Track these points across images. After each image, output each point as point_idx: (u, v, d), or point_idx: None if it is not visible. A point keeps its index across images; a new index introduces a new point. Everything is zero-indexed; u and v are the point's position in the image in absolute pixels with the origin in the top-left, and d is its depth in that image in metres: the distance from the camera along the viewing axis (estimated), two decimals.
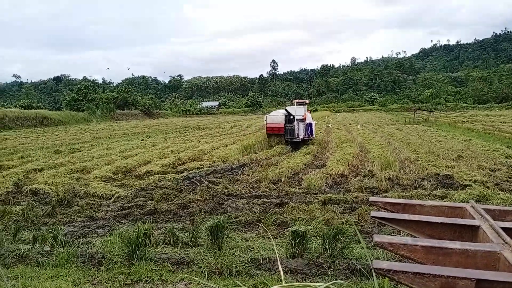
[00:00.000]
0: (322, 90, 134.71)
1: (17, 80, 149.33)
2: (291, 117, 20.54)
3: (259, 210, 8.41)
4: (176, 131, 34.04)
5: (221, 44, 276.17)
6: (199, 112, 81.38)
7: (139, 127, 40.25)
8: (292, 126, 20.30)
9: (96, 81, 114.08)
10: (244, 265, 5.68)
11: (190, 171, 13.72)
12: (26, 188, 11.30)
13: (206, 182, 11.59)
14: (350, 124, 38.04)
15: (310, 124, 22.04)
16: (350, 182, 11.35)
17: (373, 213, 2.16)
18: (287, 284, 1.78)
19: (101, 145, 22.69)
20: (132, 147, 21.22)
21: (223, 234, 6.36)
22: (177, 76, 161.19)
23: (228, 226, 6.88)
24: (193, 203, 9.35)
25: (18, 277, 5.29)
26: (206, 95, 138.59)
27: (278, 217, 7.81)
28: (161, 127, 39.12)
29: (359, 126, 33.70)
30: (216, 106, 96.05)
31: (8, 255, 6.09)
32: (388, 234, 6.84)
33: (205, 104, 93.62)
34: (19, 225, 7.37)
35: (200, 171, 13.63)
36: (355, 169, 13.44)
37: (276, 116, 21.00)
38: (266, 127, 21.33)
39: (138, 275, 5.22)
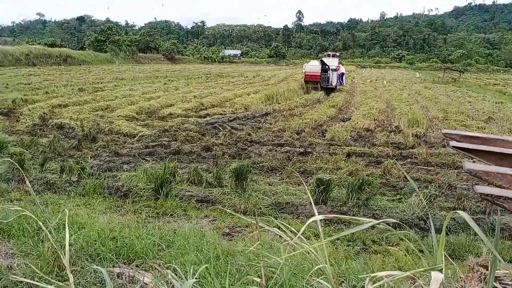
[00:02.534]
0: (348, 44, 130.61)
1: (40, 18, 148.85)
2: (326, 66, 24.05)
3: (282, 158, 8.36)
4: (198, 77, 33.73)
5: None
6: (221, 60, 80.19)
7: (161, 71, 40.01)
8: (327, 75, 24.06)
9: (119, 24, 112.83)
10: (268, 207, 5.69)
11: (213, 116, 13.66)
12: (52, 122, 11.48)
13: (229, 128, 11.54)
14: (376, 80, 37.00)
15: (342, 74, 25.29)
16: (376, 137, 11.14)
17: (453, 143, 2.01)
18: (333, 215, 1.68)
19: (124, 86, 22.70)
20: (155, 89, 21.17)
21: (246, 177, 6.36)
22: (200, 23, 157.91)
23: (252, 170, 6.84)
24: (216, 147, 9.35)
25: (47, 203, 5.42)
26: (228, 43, 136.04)
27: (302, 165, 7.74)
28: (183, 73, 38.82)
29: (385, 82, 32.76)
30: (239, 55, 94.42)
31: (36, 182, 6.22)
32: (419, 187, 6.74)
33: (227, 52, 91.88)
34: (46, 155, 7.50)
35: (222, 117, 13.56)
36: (380, 124, 13.15)
37: (314, 66, 24.82)
38: (305, 74, 25.03)
39: (164, 209, 5.29)
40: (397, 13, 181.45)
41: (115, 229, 3.36)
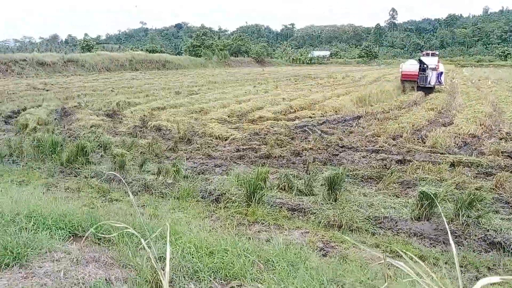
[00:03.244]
0: (446, 42, 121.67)
1: (143, 26, 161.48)
2: (425, 65, 23.64)
3: (377, 165, 7.81)
4: (287, 79, 33.75)
5: None
6: (309, 62, 79.72)
7: (251, 74, 40.84)
8: (426, 74, 23.67)
9: (213, 29, 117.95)
10: (364, 221, 5.27)
11: (302, 120, 13.41)
12: (151, 124, 12.13)
13: (319, 132, 11.19)
14: (479, 81, 33.71)
15: (441, 73, 24.21)
16: (483, 144, 9.99)
17: None
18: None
19: (217, 89, 23.46)
20: (245, 92, 21.54)
21: (340, 186, 5.99)
22: (289, 25, 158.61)
23: (345, 179, 6.45)
24: (306, 151, 9.09)
25: (144, 205, 5.61)
26: (317, 44, 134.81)
27: (401, 175, 7.14)
28: (271, 75, 39.19)
29: (489, 83, 29.67)
30: (327, 56, 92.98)
31: (135, 183, 6.51)
32: None
33: (316, 53, 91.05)
34: (145, 157, 7.86)
35: (312, 120, 13.24)
36: (488, 130, 11.81)
37: (411, 65, 24.75)
38: (402, 73, 24.77)
39: (255, 217, 5.16)
40: (503, 7, 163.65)
41: (212, 242, 3.25)
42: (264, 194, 5.63)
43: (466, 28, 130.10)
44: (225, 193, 5.98)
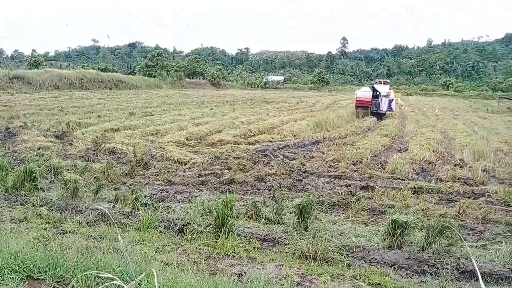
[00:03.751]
0: (392, 71, 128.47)
1: (95, 44, 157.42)
2: (377, 93, 25.15)
3: (343, 192, 7.76)
4: (243, 102, 33.83)
5: (286, 17, 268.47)
6: (264, 86, 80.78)
7: (207, 96, 40.59)
8: (378, 100, 25.08)
9: (167, 50, 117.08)
10: (338, 251, 5.10)
11: (262, 144, 13.29)
12: (104, 146, 11.49)
13: (281, 156, 11.09)
14: (425, 109, 35.61)
15: (392, 100, 25.90)
16: (439, 170, 10.31)
17: None
18: None
19: (172, 110, 22.97)
20: (202, 115, 21.23)
21: (310, 214, 5.83)
22: (244, 49, 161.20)
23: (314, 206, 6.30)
24: (269, 177, 8.89)
25: (102, 237, 5.12)
26: (271, 69, 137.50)
27: (367, 201, 7.11)
28: (228, 98, 39.16)
29: (437, 111, 31.36)
30: (281, 81, 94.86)
31: (91, 212, 5.99)
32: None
33: (270, 78, 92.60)
34: (100, 183, 7.32)
35: (272, 145, 13.15)
36: (441, 156, 12.27)
37: (365, 92, 26.08)
38: (356, 100, 25.90)
39: (225, 249, 4.84)
40: (445, 40, 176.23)
41: (187, 282, 2.91)
42: (234, 224, 5.33)
43: (411, 59, 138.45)
44: (190, 223, 5.61)
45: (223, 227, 5.21)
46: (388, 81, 29.97)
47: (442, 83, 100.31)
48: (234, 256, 4.75)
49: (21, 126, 14.33)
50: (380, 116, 24.89)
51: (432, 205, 7.11)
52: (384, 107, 25.30)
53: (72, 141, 12.31)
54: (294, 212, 5.87)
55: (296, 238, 5.41)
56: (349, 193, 7.68)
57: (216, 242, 5.04)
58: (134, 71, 66.85)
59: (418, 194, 7.85)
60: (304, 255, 4.81)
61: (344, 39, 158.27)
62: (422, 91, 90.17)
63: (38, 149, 10.76)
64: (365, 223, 6.31)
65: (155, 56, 63.45)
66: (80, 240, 4.93)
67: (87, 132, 13.56)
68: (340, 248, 5.16)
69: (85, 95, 31.85)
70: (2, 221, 5.55)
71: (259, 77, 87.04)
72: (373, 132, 17.76)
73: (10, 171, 7.43)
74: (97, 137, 12.82)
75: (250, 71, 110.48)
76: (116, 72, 55.77)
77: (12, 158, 9.44)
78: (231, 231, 5.28)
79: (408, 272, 4.74)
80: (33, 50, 66.75)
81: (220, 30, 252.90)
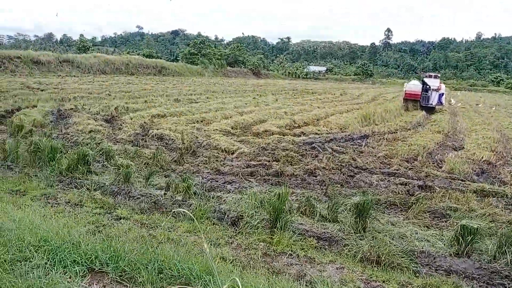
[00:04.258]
0: (439, 65, 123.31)
1: (139, 30, 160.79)
2: (427, 86, 25.14)
3: (399, 191, 7.34)
4: (285, 92, 33.42)
5: (330, 8, 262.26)
6: (305, 76, 79.78)
7: (248, 85, 40.46)
8: (428, 94, 24.99)
9: (209, 38, 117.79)
10: (398, 255, 4.75)
11: (309, 136, 12.95)
12: (152, 132, 11.55)
13: (330, 150, 10.73)
14: (477, 105, 33.84)
15: (442, 94, 25.38)
16: (501, 172, 9.62)
17: None
18: None
19: (216, 98, 22.97)
20: (246, 104, 21.08)
21: (369, 214, 5.50)
22: (285, 38, 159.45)
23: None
24: (319, 171, 8.59)
25: (156, 225, 5.04)
26: (312, 60, 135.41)
27: (427, 202, 6.67)
28: (269, 87, 38.86)
29: (493, 109, 29.71)
30: (323, 71, 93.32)
31: (143, 199, 5.93)
32: None
33: (312, 68, 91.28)
34: (152, 169, 7.29)
35: (319, 137, 12.79)
36: (501, 157, 11.46)
37: (415, 85, 25.72)
38: (405, 93, 25.48)
39: (281, 246, 4.63)
40: (496, 34, 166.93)
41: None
42: (289, 220, 5.10)
43: (459, 52, 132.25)
44: (243, 216, 5.43)
45: (278, 222, 5.00)
46: (439, 75, 29.68)
47: (493, 79, 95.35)
48: (291, 255, 4.52)
49: (72, 108, 14.71)
50: (430, 110, 24.31)
51: (499, 210, 6.58)
52: (434, 101, 24.85)
53: (121, 125, 12.49)
54: (352, 211, 5.55)
55: (355, 239, 5.12)
56: (407, 192, 7.25)
57: (271, 238, 4.83)
58: (177, 58, 67.69)
59: (481, 197, 7.31)
60: (366, 258, 4.51)
61: (388, 30, 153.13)
62: (470, 86, 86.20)
63: (89, 132, 10.95)
64: (427, 226, 5.90)
65: (198, 43, 63.95)
66: (135, 228, 4.86)
67: (135, 117, 13.72)
68: (402, 253, 4.82)
69: (130, 80, 32.53)
70: (58, 203, 5.60)
71: (300, 67, 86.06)
72: (424, 127, 16.96)
73: (65, 154, 7.54)
74: (145, 122, 12.93)
75: (290, 61, 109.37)
76: (160, 58, 56.65)
77: (65, 140, 9.64)
78: (286, 227, 5.06)
79: (481, 284, 4.35)
80: (81, 35, 68.82)
81: (261, 18, 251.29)
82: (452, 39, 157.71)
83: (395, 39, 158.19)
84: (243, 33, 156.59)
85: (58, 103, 15.82)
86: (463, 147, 12.56)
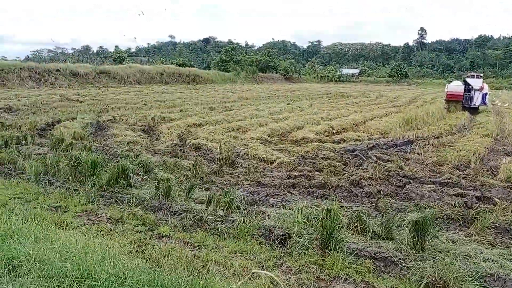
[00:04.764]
0: (477, 63, 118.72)
1: (171, 40, 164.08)
2: (470, 86, 24.64)
3: (456, 203, 6.79)
4: (319, 97, 32.90)
5: (360, 9, 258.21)
6: (338, 79, 78.69)
7: (281, 90, 40.18)
8: (470, 94, 24.54)
9: (240, 44, 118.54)
10: (464, 279, 4.28)
11: (350, 143, 12.48)
12: (190, 142, 11.44)
13: (374, 158, 10.23)
14: None
15: (486, 94, 24.77)
16: None
17: None
18: None
19: (250, 105, 22.80)
20: (280, 110, 20.78)
21: (428, 232, 5.03)
22: (316, 42, 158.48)
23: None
24: (365, 181, 8.14)
25: (200, 245, 4.79)
26: (344, 62, 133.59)
27: (488, 216, 6.11)
28: (302, 92, 38.44)
29: None
30: (356, 74, 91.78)
31: (185, 216, 5.70)
32: None
33: (344, 71, 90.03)
34: (192, 182, 7.08)
35: (360, 144, 12.29)
36: None
37: (457, 86, 25.68)
38: (447, 94, 25.41)
39: (335, 270, 4.26)
40: None
41: None
42: (343, 240, 4.73)
43: (497, 50, 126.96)
44: (290, 234, 5.10)
45: (330, 242, 4.63)
46: (481, 74, 28.96)
47: None
48: (347, 279, 4.15)
49: (110, 119, 14.88)
50: (474, 111, 24.05)
51: None
52: (477, 102, 24.52)
53: (158, 135, 12.47)
54: (409, 228, 5.11)
55: (414, 260, 4.68)
56: (465, 205, 6.70)
57: (324, 259, 4.47)
58: (209, 66, 68.40)
59: None
60: (431, 283, 4.07)
61: (422, 29, 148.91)
62: (511, 84, 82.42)
63: (128, 143, 10.96)
64: (491, 244, 5.37)
65: (229, 50, 64.40)
66: (178, 247, 4.63)
67: (171, 127, 13.69)
68: (467, 275, 4.34)
69: (165, 89, 32.96)
70: (99, 220, 5.46)
71: (332, 70, 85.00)
72: (470, 131, 16.07)
73: (105, 167, 7.47)
74: (182, 132, 12.86)
75: (322, 64, 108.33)
76: (193, 67, 57.36)
77: (104, 152, 9.64)
78: (339, 247, 4.68)
79: None
80: (116, 46, 70.91)
81: (291, 23, 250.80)
82: (490, 36, 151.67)
83: (429, 38, 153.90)
84: (273, 38, 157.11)
85: (96, 114, 16.07)
86: None
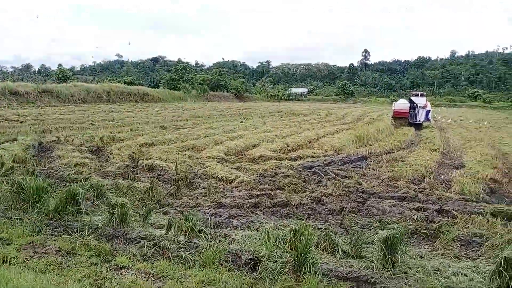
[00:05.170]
0: (416, 83, 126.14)
1: (119, 58, 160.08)
2: (414, 104, 26.56)
3: (417, 218, 6.85)
4: (271, 115, 33.15)
5: (309, 32, 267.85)
6: (287, 98, 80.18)
7: (233, 108, 40.13)
8: (415, 111, 26.39)
9: (190, 64, 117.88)
10: None
11: (306, 160, 12.48)
12: (142, 163, 10.89)
13: (333, 174, 10.25)
14: (461, 120, 34.19)
15: (429, 111, 26.81)
16: (510, 190, 9.29)
17: None
18: None
19: (203, 124, 22.42)
20: (234, 128, 20.58)
21: (398, 249, 4.97)
22: (265, 62, 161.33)
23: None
24: (326, 198, 8.07)
25: (163, 277, 4.39)
26: (292, 82, 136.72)
27: (450, 230, 6.20)
28: (254, 110, 38.60)
29: (486, 123, 30.46)
30: (305, 93, 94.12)
31: (144, 243, 5.26)
32: None
33: (294, 90, 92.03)
34: (150, 207, 6.63)
35: (317, 161, 12.32)
36: (504, 174, 11.19)
37: (403, 104, 27.75)
38: (394, 111, 27.45)
39: None
40: (469, 51, 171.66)
41: None
42: (317, 261, 4.53)
43: (435, 70, 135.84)
44: (259, 257, 4.83)
45: (304, 265, 4.41)
46: (425, 93, 31.13)
47: (470, 94, 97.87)
48: None
49: (54, 140, 13.94)
50: (418, 126, 25.75)
51: None
52: (421, 118, 26.37)
53: (108, 156, 11.79)
54: (379, 246, 5.01)
55: (387, 277, 4.58)
56: (426, 219, 6.77)
57: (298, 284, 4.24)
58: (158, 85, 67.17)
59: (503, 220, 6.88)
60: None
61: (365, 51, 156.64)
62: (449, 102, 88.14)
63: (75, 165, 10.23)
64: (457, 257, 5.41)
65: (180, 69, 63.73)
66: (139, 280, 4.21)
67: (122, 147, 13.03)
68: None
69: (113, 108, 31.79)
70: (48, 253, 4.90)
71: (282, 89, 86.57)
72: (418, 146, 16.73)
73: (51, 193, 6.83)
74: (133, 152, 12.25)
75: (271, 83, 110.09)
76: (142, 85, 56.07)
77: (50, 176, 8.89)
78: (312, 270, 4.47)
79: None
80: (60, 65, 67.94)
81: (240, 45, 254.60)
82: (427, 57, 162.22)
83: (372, 59, 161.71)
84: (223, 58, 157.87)
85: (39, 135, 15.00)
86: (464, 165, 12.27)
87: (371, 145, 16.45)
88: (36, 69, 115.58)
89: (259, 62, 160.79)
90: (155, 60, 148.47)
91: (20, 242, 5.11)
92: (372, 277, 4.64)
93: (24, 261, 4.57)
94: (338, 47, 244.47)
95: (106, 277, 4.27)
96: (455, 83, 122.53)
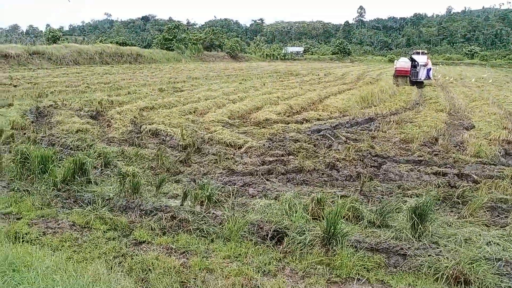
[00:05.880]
0: (412, 40, 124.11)
1: (108, 18, 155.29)
2: (416, 62, 26.54)
3: (439, 183, 6.64)
4: (269, 76, 32.43)
5: None
6: (283, 57, 78.67)
7: (229, 69, 39.24)
8: (417, 70, 26.42)
9: (181, 22, 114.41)
10: (488, 271, 3.97)
11: (314, 123, 12.16)
12: (146, 128, 10.54)
13: (343, 138, 9.98)
14: (462, 79, 33.73)
15: (430, 69, 26.73)
16: None
17: None
18: None
19: (201, 86, 21.84)
20: (234, 90, 20.06)
21: (428, 218, 4.77)
22: (259, 20, 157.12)
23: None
24: (339, 163, 7.83)
25: (188, 252, 4.17)
26: (287, 40, 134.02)
27: (474, 195, 6.00)
28: (251, 71, 37.76)
29: (490, 80, 30.92)
30: (301, 52, 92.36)
31: (162, 215, 5.01)
32: None
33: (290, 49, 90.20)
34: (163, 175, 6.35)
35: (324, 123, 12.02)
36: None
37: (405, 62, 27.45)
38: (396, 69, 27.17)
39: (346, 270, 3.83)
40: (465, 8, 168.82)
41: None
42: (348, 234, 4.31)
43: (431, 27, 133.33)
44: (286, 230, 4.61)
45: (335, 239, 4.20)
46: (426, 51, 30.59)
47: (466, 52, 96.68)
48: (360, 280, 3.75)
49: (52, 105, 13.46)
50: (419, 84, 25.91)
51: None
52: (422, 76, 26.33)
53: (109, 121, 11.40)
54: (409, 215, 4.81)
55: (418, 248, 4.39)
56: (448, 184, 6.57)
57: (329, 258, 4.04)
58: (151, 45, 65.40)
59: None
60: (450, 277, 3.77)
61: (361, 7, 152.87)
62: (446, 60, 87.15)
63: (76, 132, 9.87)
64: (486, 225, 5.23)
65: (172, 28, 61.82)
66: (161, 256, 3.98)
67: (122, 112, 12.58)
68: (476, 263, 4.10)
69: (107, 70, 30.91)
70: (62, 228, 4.64)
71: (277, 49, 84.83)
72: (424, 107, 16.41)
73: (57, 162, 6.52)
74: (134, 117, 11.87)
75: (266, 42, 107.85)
76: (134, 46, 54.49)
77: (52, 143, 8.53)
78: (343, 242, 4.27)
79: None
80: (48, 25, 65.63)
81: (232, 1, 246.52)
82: (424, 14, 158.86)
83: (368, 17, 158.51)
84: (215, 16, 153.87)
85: (35, 99, 14.48)
86: (474, 126, 12.04)
87: (376, 106, 16.11)
88: (24, 30, 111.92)
89: (253, 20, 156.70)
90: (146, 18, 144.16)
91: (30, 216, 4.85)
92: (402, 248, 4.45)
93: (37, 237, 4.31)
94: (333, 3, 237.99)
95: (127, 254, 4.04)
96: (451, 41, 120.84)
